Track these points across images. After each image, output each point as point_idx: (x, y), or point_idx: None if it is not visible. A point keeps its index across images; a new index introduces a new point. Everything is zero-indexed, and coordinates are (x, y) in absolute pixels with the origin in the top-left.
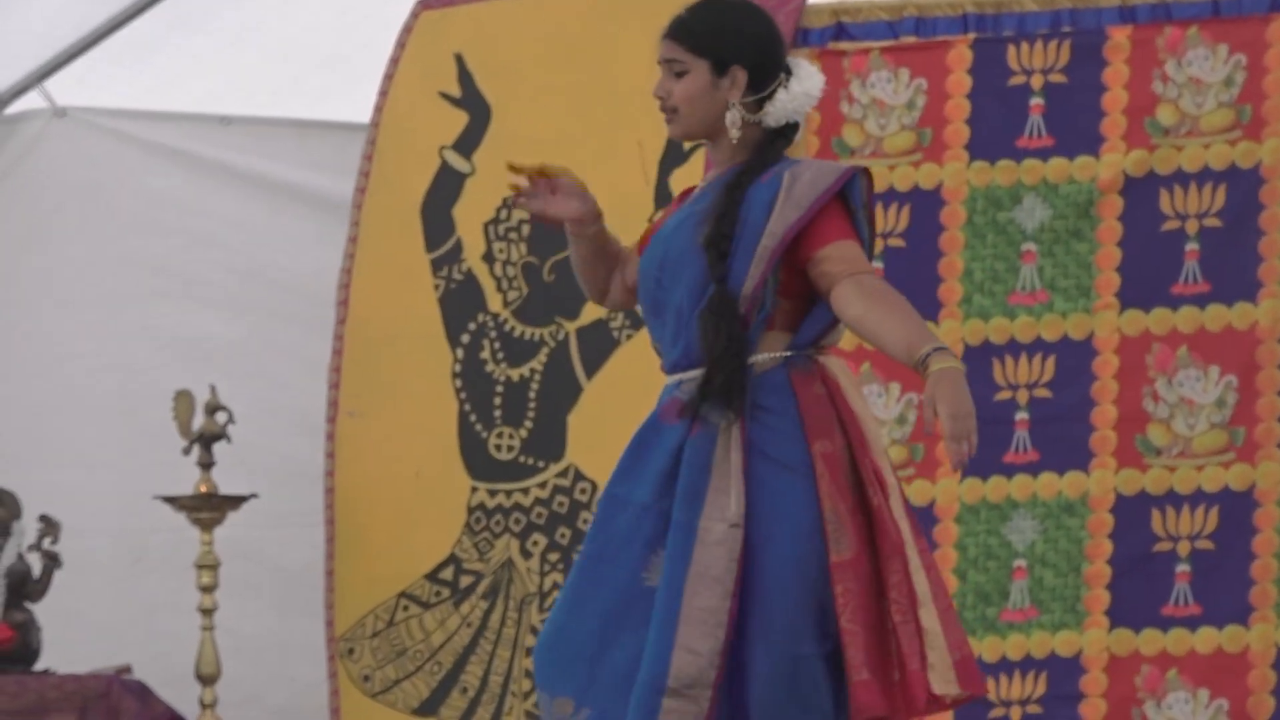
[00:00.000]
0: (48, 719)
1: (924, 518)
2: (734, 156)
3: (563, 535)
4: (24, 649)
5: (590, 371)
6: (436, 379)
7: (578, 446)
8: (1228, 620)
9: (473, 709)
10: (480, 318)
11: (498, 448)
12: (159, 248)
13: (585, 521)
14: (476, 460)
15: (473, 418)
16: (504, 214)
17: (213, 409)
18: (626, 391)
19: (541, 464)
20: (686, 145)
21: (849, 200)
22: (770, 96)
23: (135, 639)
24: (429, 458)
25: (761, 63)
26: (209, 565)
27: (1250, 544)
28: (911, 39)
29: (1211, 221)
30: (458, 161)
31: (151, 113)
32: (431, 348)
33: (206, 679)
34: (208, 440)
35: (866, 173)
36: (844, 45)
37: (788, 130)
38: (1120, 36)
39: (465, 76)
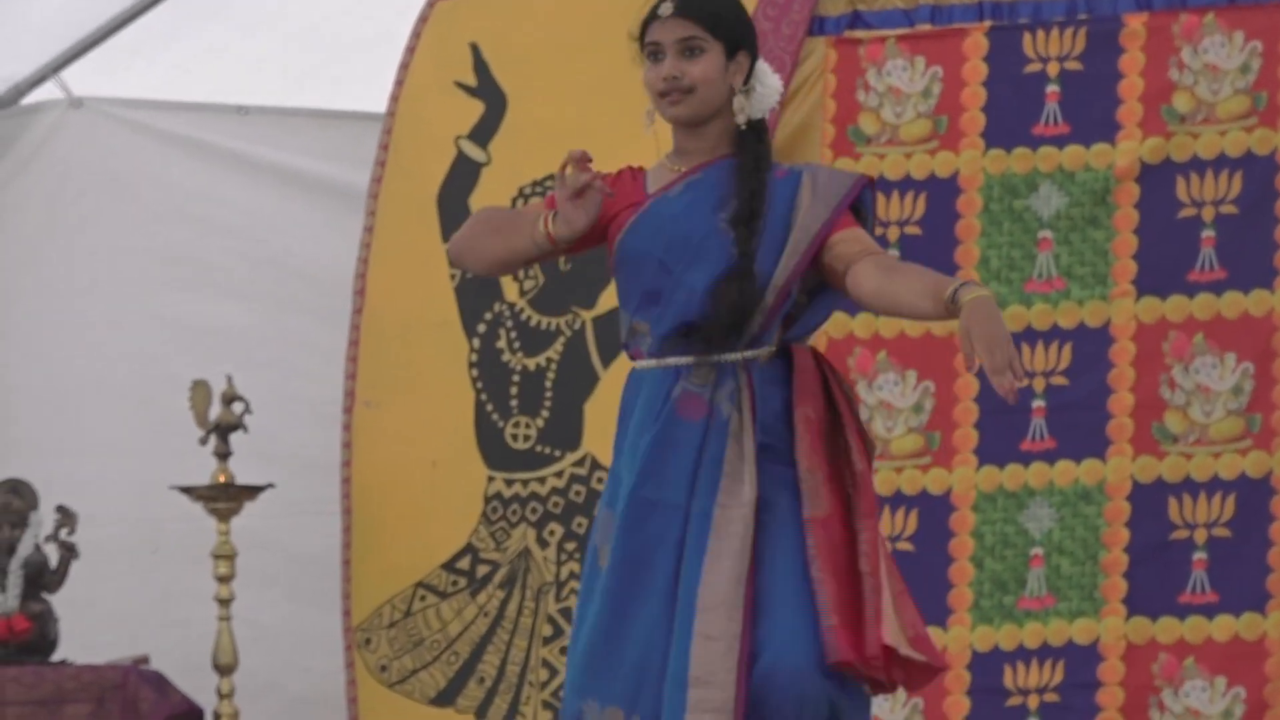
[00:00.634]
0: (65, 710)
1: (941, 506)
2: (716, 148)
3: (579, 524)
4: (41, 640)
5: (607, 360)
6: (453, 368)
7: (594, 436)
8: (1245, 608)
9: (490, 699)
10: (496, 307)
11: (514, 437)
12: (176, 237)
13: None
14: (493, 449)
15: (489, 407)
16: (520, 203)
17: (229, 399)
18: None
19: (558, 453)
20: None
21: (860, 206)
22: (751, 89)
23: (152, 629)
24: (445, 447)
25: (755, 52)
26: (226, 555)
27: (1267, 531)
28: (927, 27)
29: (1228, 209)
30: (474, 151)
31: (168, 103)
32: (448, 337)
33: (223, 669)
34: (224, 430)
35: (873, 184)
36: (860, 33)
37: (764, 126)
38: (1136, 24)
39: (481, 66)
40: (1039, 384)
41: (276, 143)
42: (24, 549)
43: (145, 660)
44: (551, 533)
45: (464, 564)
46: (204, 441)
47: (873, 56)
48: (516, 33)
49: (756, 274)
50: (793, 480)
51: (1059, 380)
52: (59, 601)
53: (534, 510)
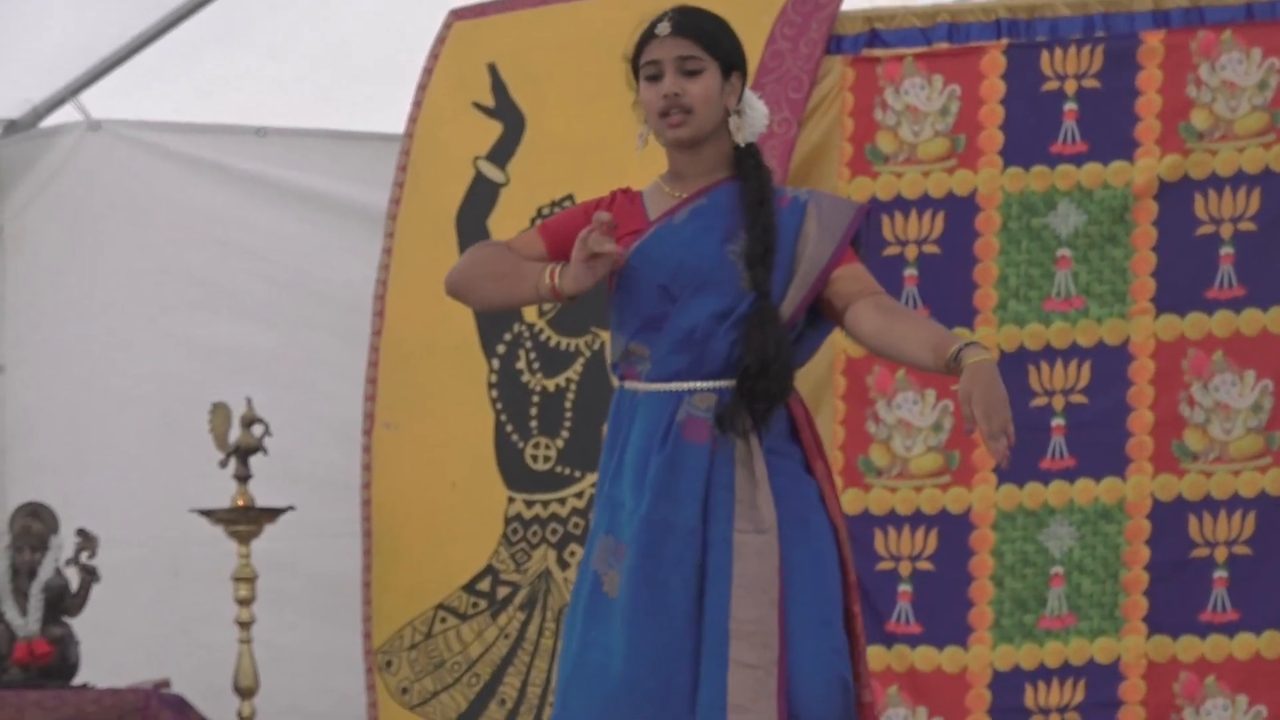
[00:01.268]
0: None
1: (960, 525)
2: (713, 171)
3: None
4: (62, 663)
5: None
6: (472, 390)
7: None
8: (1266, 626)
9: None
10: (516, 328)
11: (534, 458)
12: (195, 259)
13: None
14: (513, 471)
15: (509, 428)
16: (538, 223)
17: (249, 421)
18: None
19: (578, 474)
20: None
21: (858, 235)
22: (742, 110)
23: (173, 652)
24: (465, 468)
25: (746, 74)
26: (246, 578)
27: None
28: (945, 45)
29: (1246, 226)
30: (492, 172)
31: (186, 125)
32: (467, 358)
33: (245, 692)
34: (244, 453)
35: (870, 213)
36: (877, 52)
37: (758, 150)
38: (1154, 41)
39: (499, 86)
40: (1058, 402)
41: (295, 164)
42: (45, 572)
43: (166, 684)
44: (572, 554)
45: (484, 585)
46: (224, 464)
47: (890, 75)
48: (534, 54)
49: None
50: (811, 490)
51: (1078, 398)
52: (80, 625)
53: (554, 531)
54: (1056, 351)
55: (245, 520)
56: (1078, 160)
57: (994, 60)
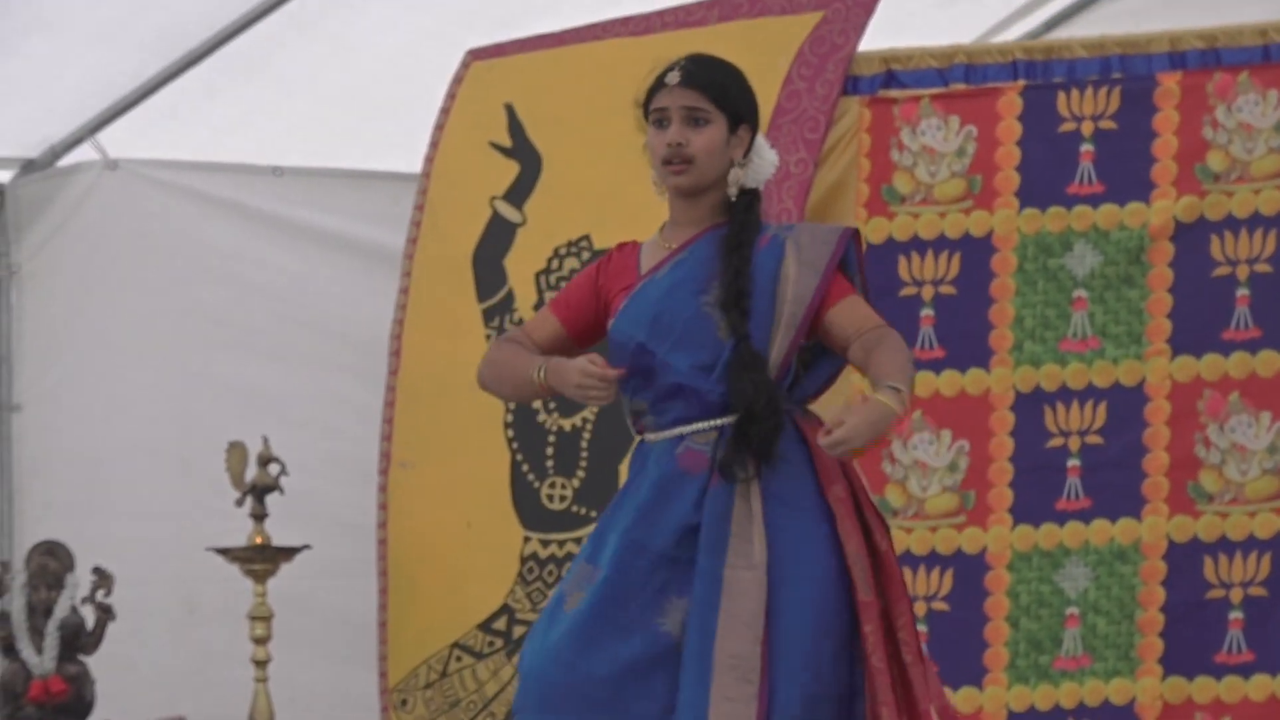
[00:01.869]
0: None
1: (976, 565)
2: (711, 217)
3: None
4: (78, 702)
5: None
6: (488, 429)
7: None
8: None
9: None
10: None
11: (550, 497)
12: (211, 298)
13: None
14: (529, 510)
15: (525, 467)
16: (555, 264)
17: (265, 460)
18: None
19: (594, 514)
20: None
21: (847, 260)
22: (749, 161)
23: (189, 691)
24: (481, 508)
25: (757, 126)
26: (262, 617)
27: None
28: (961, 86)
29: (1262, 267)
30: (509, 212)
31: (203, 164)
32: (483, 398)
33: None
34: (260, 492)
35: (859, 233)
36: (894, 93)
37: (756, 195)
38: (1170, 83)
39: (516, 126)
40: (1074, 443)
41: (312, 203)
42: (60, 610)
43: None
44: None
45: (500, 624)
46: (240, 503)
47: (907, 116)
48: (551, 94)
49: (758, 349)
50: (815, 520)
51: (1094, 439)
52: (96, 663)
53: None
54: (1072, 392)
55: (262, 559)
56: (1094, 201)
57: (1011, 101)
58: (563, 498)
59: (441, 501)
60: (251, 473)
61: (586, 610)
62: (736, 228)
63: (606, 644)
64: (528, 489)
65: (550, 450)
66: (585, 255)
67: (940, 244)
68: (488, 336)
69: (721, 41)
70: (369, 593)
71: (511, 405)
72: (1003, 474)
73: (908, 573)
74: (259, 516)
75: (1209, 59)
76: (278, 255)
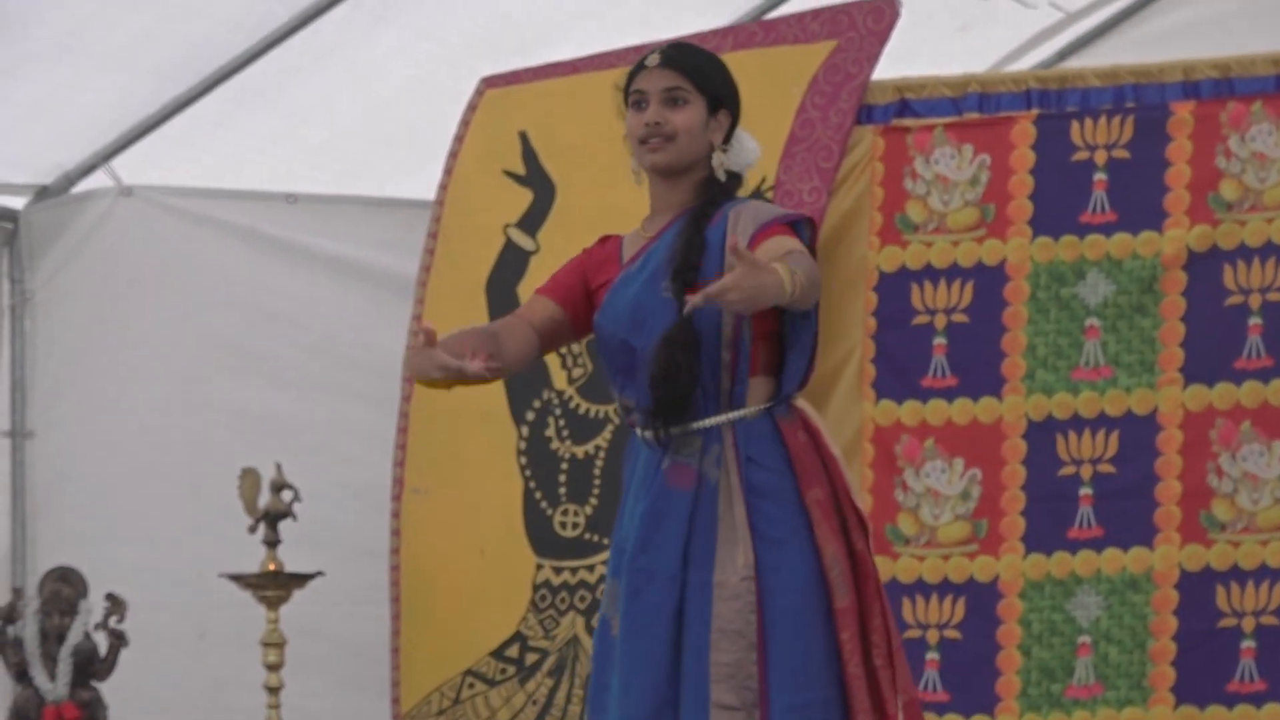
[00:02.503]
0: None
1: (988, 593)
2: (688, 199)
3: None
4: None
5: None
6: (501, 456)
7: None
8: None
9: None
10: (545, 395)
11: (563, 525)
12: (225, 325)
13: None
14: (542, 537)
15: (538, 495)
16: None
17: (278, 487)
18: None
19: (607, 541)
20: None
21: (799, 234)
22: (730, 147)
23: (201, 716)
24: (494, 535)
25: (738, 115)
26: (275, 643)
27: None
28: (975, 115)
29: (1275, 296)
30: (522, 239)
31: (217, 191)
32: (497, 425)
33: None
34: (273, 518)
35: (812, 222)
36: (908, 121)
37: (736, 178)
38: (1184, 112)
39: (529, 154)
40: (1086, 472)
41: (326, 231)
42: (73, 636)
43: None
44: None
45: (513, 652)
46: (253, 529)
47: (920, 144)
48: (565, 122)
49: (701, 330)
50: (793, 528)
51: (1106, 468)
52: (109, 689)
53: (582, 598)
54: (1084, 421)
55: (275, 585)
56: (1107, 230)
57: (1024, 130)
58: (575, 525)
59: (454, 528)
60: (264, 499)
61: (622, 647)
62: (697, 210)
63: (638, 680)
64: (540, 516)
65: (563, 477)
66: None
67: (953, 272)
68: None
69: (735, 70)
70: (381, 619)
71: (524, 433)
72: (1015, 502)
73: (920, 601)
74: (272, 543)
75: (1223, 88)
76: (291, 282)
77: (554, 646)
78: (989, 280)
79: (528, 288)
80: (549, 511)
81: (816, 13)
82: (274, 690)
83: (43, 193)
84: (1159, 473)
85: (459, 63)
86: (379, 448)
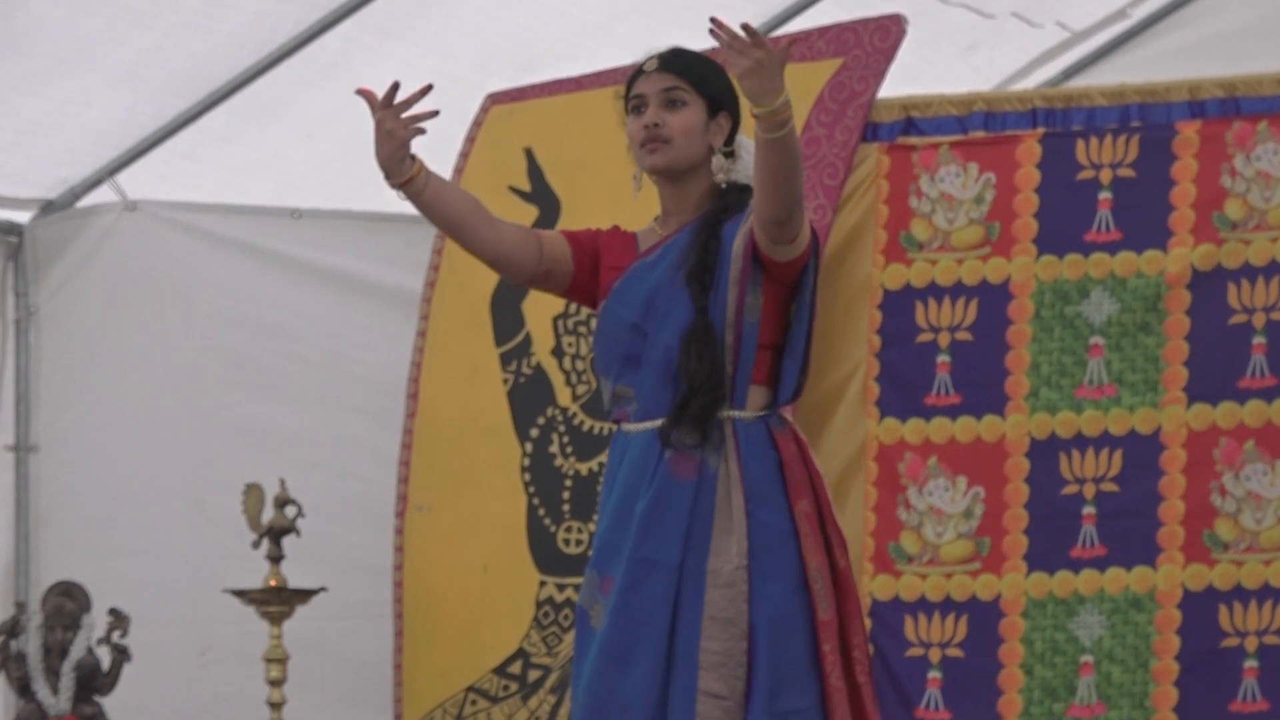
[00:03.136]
0: None
1: (990, 612)
2: (698, 206)
3: None
4: None
5: None
6: (505, 473)
7: None
8: None
9: None
10: (549, 412)
11: (566, 542)
12: (229, 340)
13: None
14: (545, 554)
15: (541, 512)
16: (572, 308)
17: (282, 502)
18: None
19: None
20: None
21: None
22: (733, 154)
23: None
24: (498, 552)
25: (738, 119)
26: (278, 659)
27: None
28: (980, 134)
29: (1279, 315)
30: None
31: (222, 206)
32: (501, 441)
33: None
34: (277, 534)
35: (815, 233)
36: (913, 140)
37: (747, 189)
38: (1189, 131)
39: (535, 171)
40: (1089, 491)
41: (330, 246)
42: (76, 651)
43: None
44: None
45: (515, 668)
46: (256, 545)
47: (926, 163)
48: (570, 138)
49: (712, 323)
50: (783, 533)
51: (1109, 487)
52: (111, 704)
53: None
54: (1088, 439)
55: (278, 601)
56: (1111, 249)
57: (1029, 149)
58: (579, 542)
59: (458, 545)
60: (268, 514)
61: (612, 629)
62: (718, 208)
63: (634, 665)
64: (544, 533)
65: (566, 494)
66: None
67: (957, 290)
68: (505, 380)
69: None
70: (384, 635)
71: (528, 450)
72: (1018, 521)
73: (922, 619)
74: (275, 558)
75: (1228, 108)
76: (295, 297)
77: (557, 663)
78: (993, 298)
79: (532, 304)
80: (553, 528)
81: (823, 30)
82: (276, 706)
83: (48, 207)
84: (1162, 492)
85: (464, 79)
86: (382, 464)
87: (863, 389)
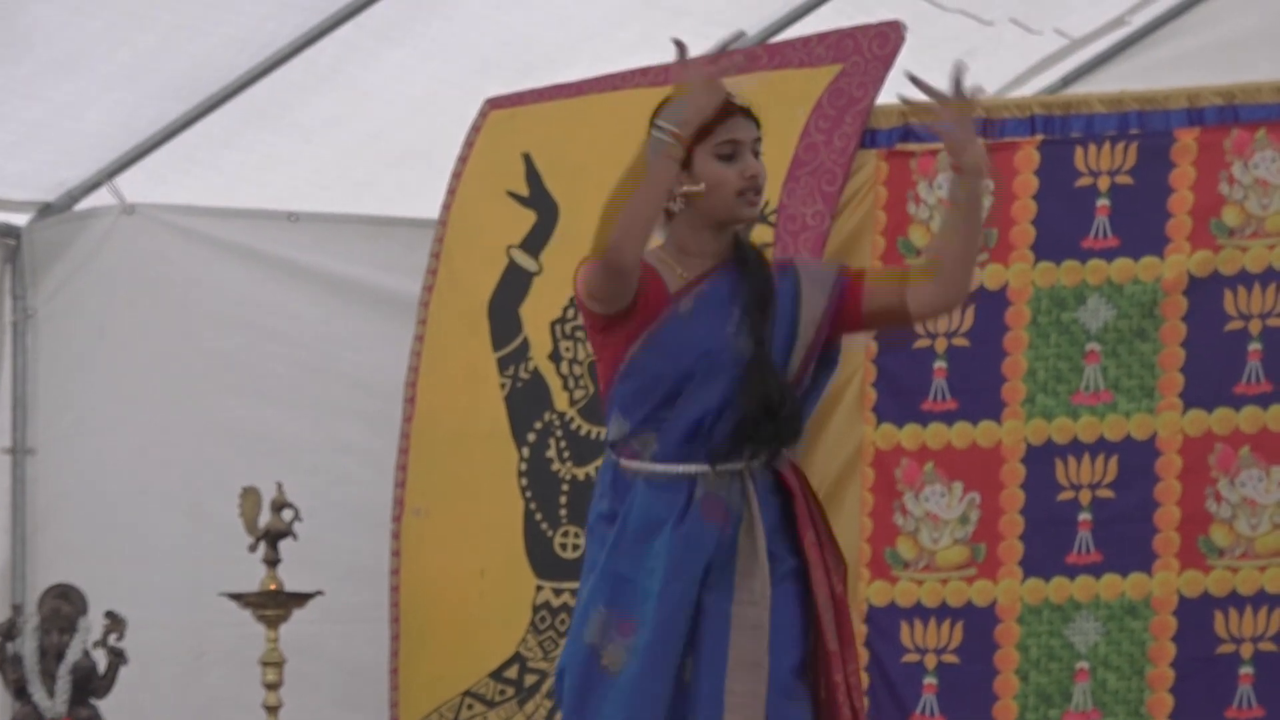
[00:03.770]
0: None
1: (986, 618)
2: (721, 253)
3: None
4: None
5: None
6: (502, 477)
7: None
8: None
9: None
10: (546, 416)
11: (563, 546)
12: (227, 344)
13: None
14: (542, 559)
15: (538, 516)
16: (570, 313)
17: (279, 506)
18: None
19: None
20: None
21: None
22: None
23: None
24: (494, 556)
25: None
26: (275, 662)
27: None
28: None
29: (1275, 322)
30: (525, 261)
31: (219, 209)
32: (497, 446)
33: None
34: (274, 537)
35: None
36: (911, 146)
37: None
38: (1188, 139)
39: (533, 176)
40: (1085, 497)
41: (328, 250)
42: (72, 654)
43: None
44: None
45: (512, 673)
46: (253, 548)
47: (924, 169)
48: (569, 144)
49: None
50: (795, 570)
51: (1105, 493)
52: (107, 707)
53: None
54: (1084, 446)
55: (274, 604)
56: (1108, 255)
57: (1028, 156)
58: (576, 546)
59: (454, 549)
60: (265, 518)
61: (639, 677)
62: (754, 251)
63: (653, 695)
64: (541, 537)
65: (564, 499)
66: None
67: None
68: (502, 385)
69: (739, 93)
70: (381, 639)
71: (525, 454)
72: (1013, 527)
73: (918, 625)
74: (272, 562)
75: (1227, 115)
76: (293, 301)
77: (553, 668)
78: (990, 304)
79: (530, 309)
80: (549, 533)
81: (822, 37)
82: (272, 709)
83: (46, 210)
84: (1158, 498)
85: (463, 84)
86: (379, 468)
87: (859, 394)
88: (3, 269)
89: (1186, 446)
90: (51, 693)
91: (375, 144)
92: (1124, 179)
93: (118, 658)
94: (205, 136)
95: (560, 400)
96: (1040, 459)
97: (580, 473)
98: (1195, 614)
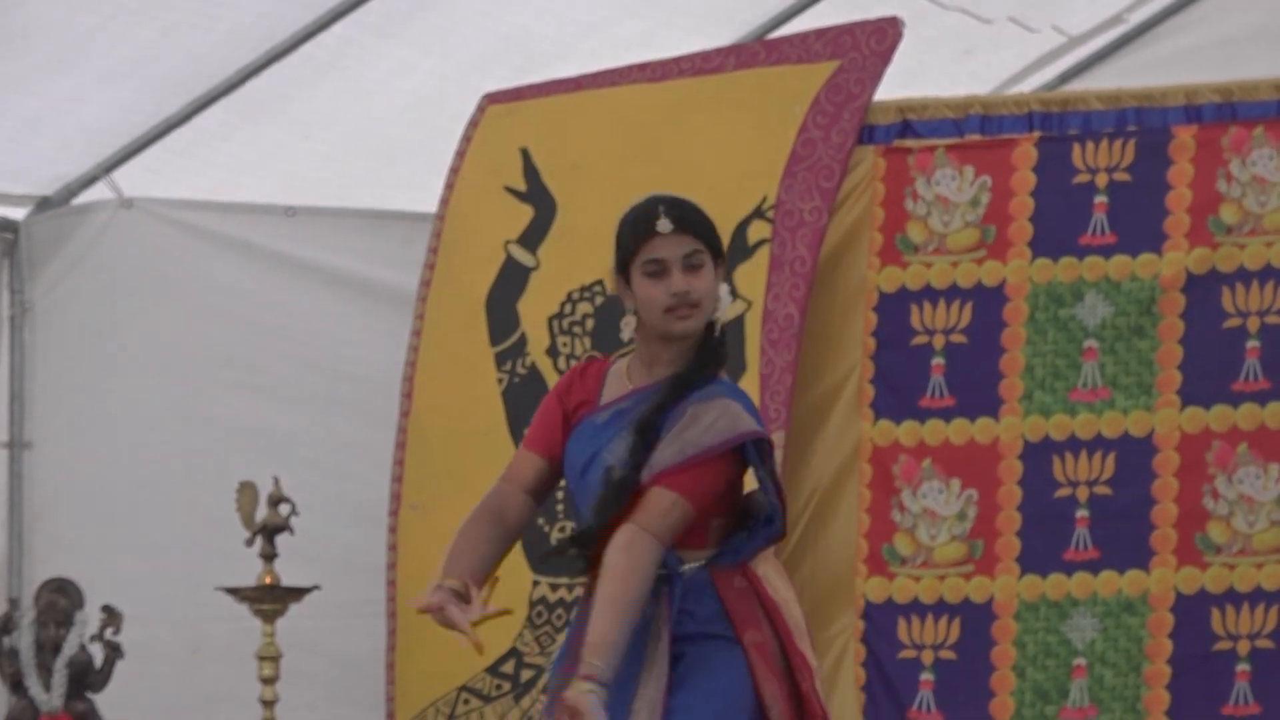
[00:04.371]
0: None
1: (983, 614)
2: (675, 363)
3: None
4: None
5: None
6: (499, 472)
7: None
8: None
9: None
10: None
11: (559, 541)
12: (224, 338)
13: None
14: (538, 554)
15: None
16: (568, 309)
17: (276, 500)
18: None
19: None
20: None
21: (744, 452)
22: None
23: None
24: None
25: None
26: (271, 657)
27: None
28: (977, 137)
29: (1273, 319)
30: (522, 256)
31: (217, 203)
32: (495, 441)
33: None
34: (270, 532)
35: (764, 441)
36: (909, 142)
37: (722, 340)
38: (1185, 136)
39: (531, 171)
40: (1082, 493)
41: (325, 244)
42: (69, 648)
43: None
44: None
45: (508, 668)
46: (250, 543)
47: (922, 165)
48: (567, 139)
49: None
50: (727, 658)
51: (1102, 490)
52: (103, 701)
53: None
54: (1081, 442)
55: (271, 599)
56: (1106, 252)
57: (1025, 152)
58: None
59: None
60: (262, 512)
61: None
62: (683, 378)
63: None
64: (537, 532)
65: (560, 494)
66: (598, 300)
67: (952, 293)
68: (499, 380)
69: (737, 89)
70: (378, 634)
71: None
72: (1011, 523)
73: (915, 621)
74: (269, 557)
75: (1224, 113)
76: (290, 295)
77: (549, 662)
78: (988, 301)
79: (527, 304)
80: (546, 527)
81: (820, 32)
82: (269, 704)
83: (43, 204)
84: (1155, 495)
85: (462, 78)
86: (376, 463)
87: (857, 391)
88: (0, 263)
89: (1184, 443)
90: (48, 686)
91: (373, 139)
92: (1122, 176)
93: (114, 652)
94: (203, 131)
95: None
96: (1038, 455)
97: None
98: (1192, 611)
